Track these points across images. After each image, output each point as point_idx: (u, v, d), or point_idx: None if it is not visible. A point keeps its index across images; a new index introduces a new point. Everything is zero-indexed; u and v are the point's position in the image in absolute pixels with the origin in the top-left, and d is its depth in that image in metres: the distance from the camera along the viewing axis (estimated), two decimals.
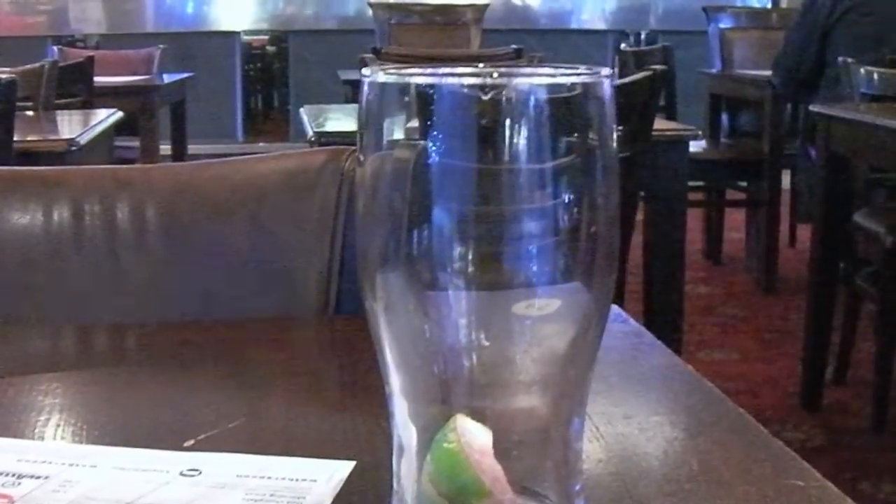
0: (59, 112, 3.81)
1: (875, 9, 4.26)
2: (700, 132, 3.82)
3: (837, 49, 4.14)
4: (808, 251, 3.81)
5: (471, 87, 0.53)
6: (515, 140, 0.54)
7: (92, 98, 4.54)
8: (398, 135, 0.56)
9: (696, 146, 4.79)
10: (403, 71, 0.56)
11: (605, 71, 0.56)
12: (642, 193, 3.14)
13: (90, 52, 5.62)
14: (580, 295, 0.58)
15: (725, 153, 5.35)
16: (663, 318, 3.31)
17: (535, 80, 0.54)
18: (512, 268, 0.56)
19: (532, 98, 0.53)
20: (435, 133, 0.54)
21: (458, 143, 0.55)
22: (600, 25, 8.89)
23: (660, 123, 3.21)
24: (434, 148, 0.54)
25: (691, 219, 4.17)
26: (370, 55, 4.08)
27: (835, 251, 3.56)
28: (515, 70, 0.56)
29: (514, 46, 4.70)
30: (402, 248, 0.56)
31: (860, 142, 3.38)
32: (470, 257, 0.56)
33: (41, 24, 8.60)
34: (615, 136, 0.58)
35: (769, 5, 8.69)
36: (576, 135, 0.56)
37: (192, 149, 6.37)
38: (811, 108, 3.77)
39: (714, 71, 5.79)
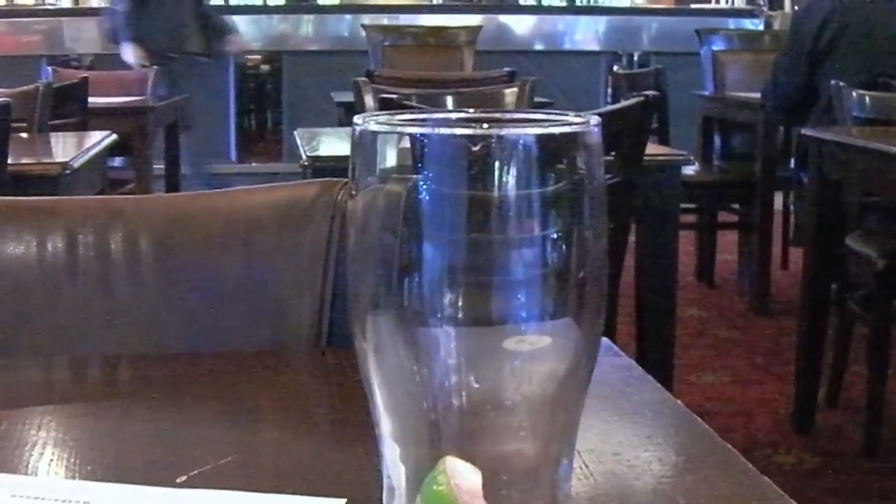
0: (53, 134, 3.82)
1: (861, 35, 4.28)
2: (692, 157, 3.83)
3: (827, 78, 4.15)
4: (801, 274, 3.82)
5: (461, 137, 0.54)
6: (505, 186, 0.55)
7: (86, 119, 4.55)
8: (389, 177, 0.57)
9: (688, 169, 4.80)
10: (394, 119, 0.57)
11: (594, 119, 0.57)
12: (634, 218, 3.15)
13: (84, 73, 5.62)
14: (571, 332, 0.59)
15: (717, 176, 5.37)
16: (655, 341, 3.31)
17: (524, 130, 0.55)
18: (503, 308, 0.57)
19: (521, 147, 0.54)
20: (425, 178, 0.55)
21: (449, 189, 0.56)
22: (593, 47, 8.91)
23: (652, 148, 3.22)
24: (424, 192, 0.55)
25: (683, 241, 4.18)
26: (363, 78, 4.09)
27: (827, 274, 3.57)
28: (505, 118, 0.57)
29: (507, 69, 4.71)
30: (393, 286, 0.57)
31: (852, 165, 3.39)
32: (461, 297, 0.56)
33: (36, 43, 8.61)
34: (603, 178, 0.59)
35: (761, 28, 8.72)
36: (564, 179, 0.57)
37: (186, 170, 6.38)
38: (803, 131, 3.79)
39: (706, 93, 5.81)
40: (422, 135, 0.55)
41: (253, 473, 0.80)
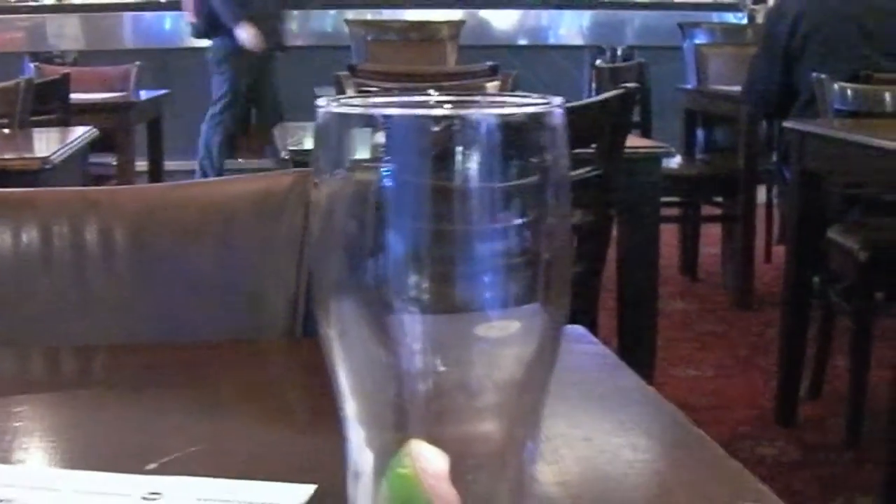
0: (34, 129, 3.81)
1: (835, 32, 4.27)
2: (673, 150, 3.83)
3: (804, 76, 4.15)
4: (784, 267, 3.82)
5: (422, 118, 0.54)
6: (469, 168, 0.55)
7: (68, 115, 4.54)
8: (352, 161, 0.57)
9: (671, 162, 4.81)
10: (357, 102, 0.57)
11: (557, 100, 0.57)
12: (615, 210, 3.15)
13: (67, 69, 5.61)
14: (537, 317, 0.59)
15: (701, 169, 5.37)
16: (637, 335, 3.32)
17: (486, 110, 0.55)
18: (469, 292, 0.57)
19: (483, 128, 0.54)
20: (389, 161, 0.55)
21: (412, 171, 0.56)
22: (577, 41, 8.92)
23: (633, 140, 3.22)
24: (388, 174, 0.55)
25: (667, 234, 4.18)
26: (345, 73, 4.08)
27: (809, 267, 3.58)
28: (467, 100, 0.57)
29: (489, 63, 4.71)
30: (358, 273, 0.57)
31: (834, 158, 3.39)
32: (427, 282, 0.56)
33: (19, 39, 8.59)
34: (568, 160, 0.59)
35: (745, 21, 8.73)
36: (529, 161, 0.57)
37: (169, 165, 6.37)
38: (785, 124, 3.79)
39: (689, 87, 5.81)
40: (384, 116, 0.55)
41: (223, 461, 0.79)
